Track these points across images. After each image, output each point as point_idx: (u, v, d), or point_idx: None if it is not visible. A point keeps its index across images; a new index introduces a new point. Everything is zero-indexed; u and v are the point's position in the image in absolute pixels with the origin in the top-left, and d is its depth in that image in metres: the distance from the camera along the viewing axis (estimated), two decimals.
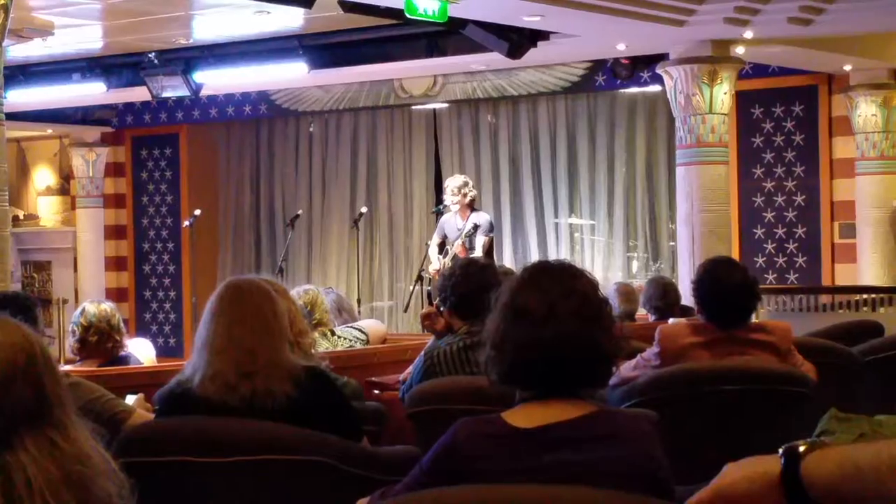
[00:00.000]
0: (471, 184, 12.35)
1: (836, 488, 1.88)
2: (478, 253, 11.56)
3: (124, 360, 6.39)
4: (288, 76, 13.81)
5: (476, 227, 11.84)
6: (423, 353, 5.62)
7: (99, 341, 6.25)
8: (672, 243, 14.22)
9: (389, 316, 15.97)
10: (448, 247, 11.98)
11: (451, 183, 12.16)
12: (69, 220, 18.28)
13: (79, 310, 6.40)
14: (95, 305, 6.37)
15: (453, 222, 12.06)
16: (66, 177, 18.49)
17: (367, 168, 16.48)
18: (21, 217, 18.00)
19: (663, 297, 8.68)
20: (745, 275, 5.59)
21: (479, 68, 14.17)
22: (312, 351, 5.05)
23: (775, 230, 13.95)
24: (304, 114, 16.50)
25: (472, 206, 12.09)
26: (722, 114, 11.84)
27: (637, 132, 14.91)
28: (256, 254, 17.43)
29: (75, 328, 6.31)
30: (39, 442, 2.05)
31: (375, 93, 15.31)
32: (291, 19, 11.84)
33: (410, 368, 5.90)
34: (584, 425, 2.95)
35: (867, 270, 13.31)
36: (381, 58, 13.09)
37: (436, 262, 11.93)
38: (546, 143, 15.29)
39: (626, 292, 9.13)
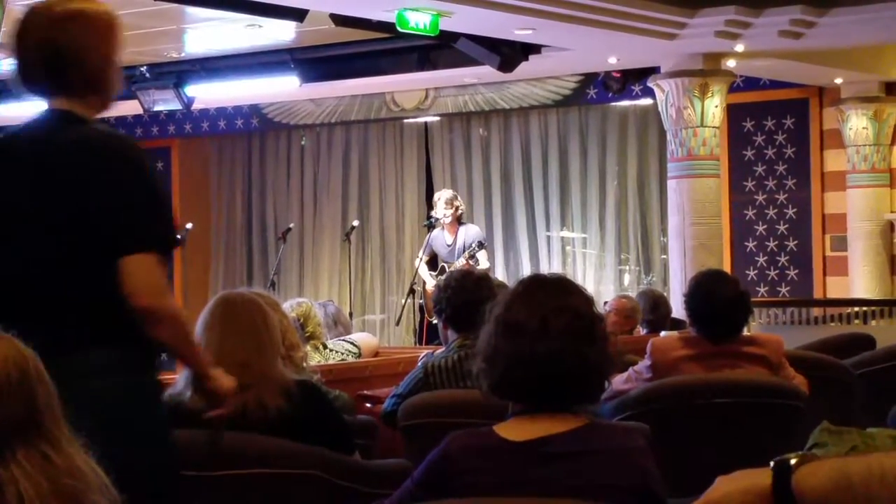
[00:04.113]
0: (459, 197, 12.36)
1: (828, 501, 1.88)
2: (483, 266, 11.55)
3: None
4: (279, 90, 13.82)
5: (482, 244, 11.84)
6: (420, 364, 5.62)
7: None
8: (664, 256, 14.24)
9: (381, 329, 15.96)
10: (444, 264, 11.93)
11: (443, 196, 12.13)
12: None
13: None
14: None
15: (442, 238, 12.02)
16: None
17: (358, 181, 16.48)
18: None
19: (654, 310, 8.69)
20: (736, 288, 5.59)
21: (471, 82, 14.19)
22: (304, 364, 5.05)
23: (767, 243, 13.98)
24: (295, 127, 16.51)
25: (459, 220, 12.07)
26: (713, 127, 11.86)
27: (628, 145, 14.93)
28: (248, 267, 17.43)
29: None
30: (31, 456, 2.06)
31: (367, 106, 15.32)
32: (283, 33, 11.86)
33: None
34: (575, 438, 2.95)
35: (858, 283, 13.34)
36: (372, 71, 13.11)
37: (430, 280, 11.88)
38: (538, 157, 15.30)
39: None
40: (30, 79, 3.44)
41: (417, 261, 12.40)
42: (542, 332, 2.99)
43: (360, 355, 7.38)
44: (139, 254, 3.32)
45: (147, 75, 13.12)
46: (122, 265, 3.31)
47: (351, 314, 13.54)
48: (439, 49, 12.25)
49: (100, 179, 3.33)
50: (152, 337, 3.40)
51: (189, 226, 14.65)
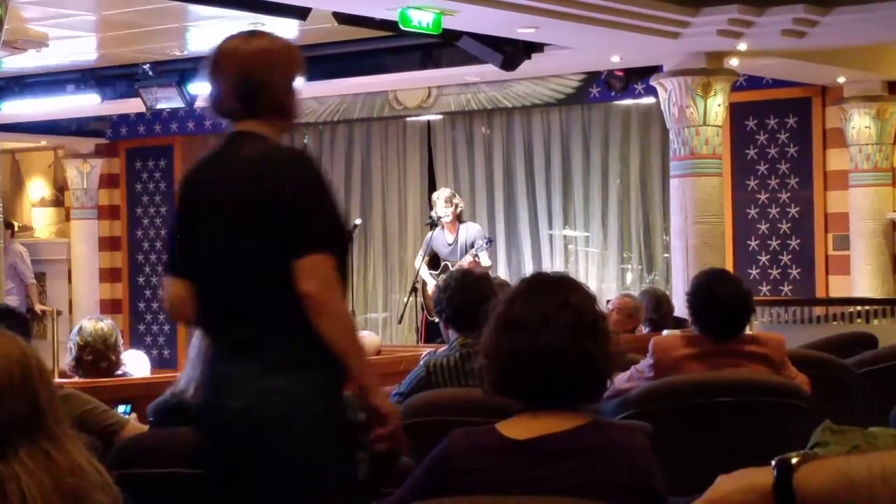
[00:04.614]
0: (457, 195, 12.38)
1: (829, 500, 1.88)
2: (485, 264, 11.61)
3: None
4: None
5: (490, 240, 11.94)
6: (422, 362, 5.63)
7: (93, 361, 6.16)
8: (666, 255, 14.23)
9: (384, 328, 15.96)
10: (446, 262, 11.93)
11: (442, 194, 12.13)
12: (64, 231, 18.27)
13: (76, 327, 6.32)
14: (93, 324, 6.25)
15: (442, 238, 12.02)
16: (60, 188, 18.49)
17: (361, 179, 16.48)
18: (15, 228, 18.01)
19: (657, 309, 8.70)
20: (739, 287, 5.59)
21: (474, 80, 14.19)
22: None
23: (769, 242, 13.96)
24: (298, 125, 16.49)
25: (459, 219, 12.09)
26: (716, 126, 11.86)
27: (631, 144, 14.92)
28: None
29: (72, 346, 6.25)
30: (34, 453, 2.06)
31: (370, 104, 15.32)
32: (286, 31, 11.84)
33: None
34: (577, 437, 2.95)
35: (861, 282, 13.33)
36: (375, 69, 13.10)
37: (430, 280, 11.88)
38: (540, 155, 15.30)
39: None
40: (222, 105, 3.88)
41: (419, 259, 12.40)
42: (544, 329, 3.00)
43: None
44: (314, 254, 3.61)
45: (150, 73, 13.12)
46: (298, 265, 3.60)
47: (353, 312, 13.54)
48: (442, 47, 12.25)
49: (280, 189, 3.66)
50: (319, 331, 3.61)
51: None
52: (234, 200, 3.69)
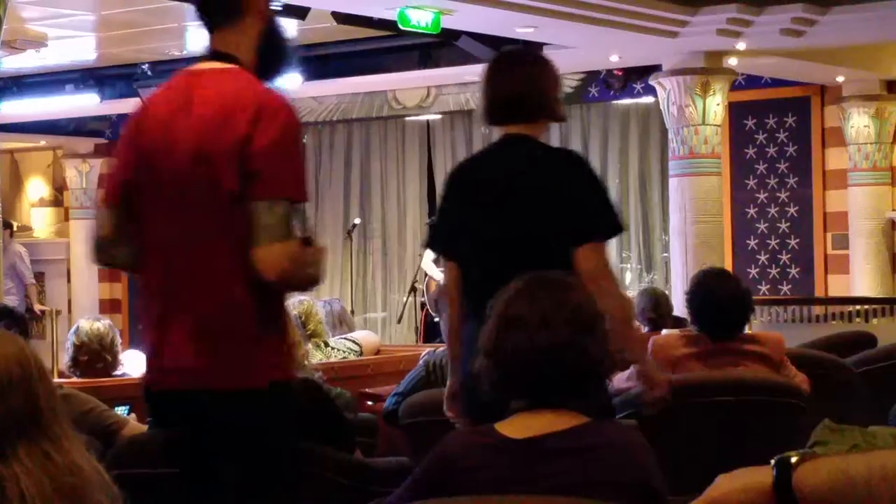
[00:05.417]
0: None
1: (828, 499, 1.88)
2: None
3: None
4: (282, 87, 13.79)
5: None
6: (422, 361, 5.64)
7: (89, 361, 6.08)
8: (665, 254, 14.23)
9: (383, 327, 15.95)
10: None
11: None
12: (63, 231, 18.26)
13: (73, 327, 6.26)
14: (90, 323, 6.15)
15: None
16: (59, 188, 18.48)
17: (360, 179, 16.47)
18: (14, 228, 18.00)
19: (655, 308, 8.66)
20: (738, 286, 5.59)
21: (473, 79, 14.09)
22: (306, 362, 5.05)
23: (768, 241, 13.97)
24: None
25: None
26: (715, 125, 11.86)
27: (630, 143, 14.92)
28: None
29: (69, 346, 6.20)
30: (33, 453, 2.06)
31: (369, 104, 15.32)
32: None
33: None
34: (576, 435, 2.95)
35: (860, 281, 13.33)
36: (374, 69, 13.10)
37: (438, 274, 11.88)
38: None
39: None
40: (495, 112, 4.43)
41: (427, 258, 12.38)
42: (542, 327, 2.99)
43: (361, 353, 7.39)
44: (593, 241, 4.16)
45: (149, 73, 13.11)
46: (580, 250, 4.11)
47: (352, 312, 13.55)
48: (441, 47, 12.25)
49: (566, 184, 4.20)
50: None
51: None
52: (523, 192, 4.19)
